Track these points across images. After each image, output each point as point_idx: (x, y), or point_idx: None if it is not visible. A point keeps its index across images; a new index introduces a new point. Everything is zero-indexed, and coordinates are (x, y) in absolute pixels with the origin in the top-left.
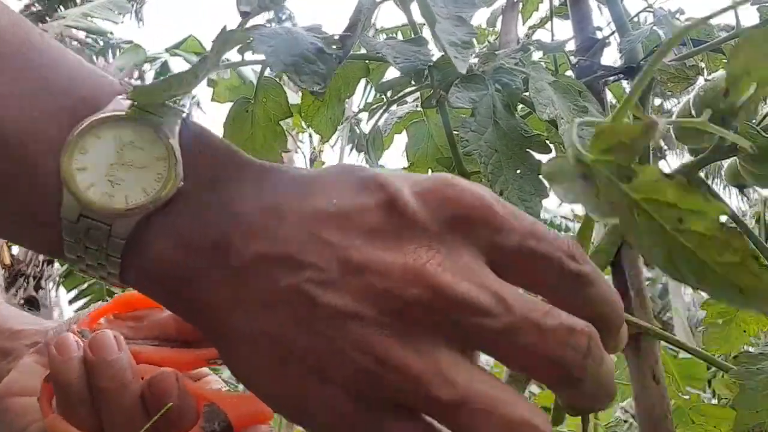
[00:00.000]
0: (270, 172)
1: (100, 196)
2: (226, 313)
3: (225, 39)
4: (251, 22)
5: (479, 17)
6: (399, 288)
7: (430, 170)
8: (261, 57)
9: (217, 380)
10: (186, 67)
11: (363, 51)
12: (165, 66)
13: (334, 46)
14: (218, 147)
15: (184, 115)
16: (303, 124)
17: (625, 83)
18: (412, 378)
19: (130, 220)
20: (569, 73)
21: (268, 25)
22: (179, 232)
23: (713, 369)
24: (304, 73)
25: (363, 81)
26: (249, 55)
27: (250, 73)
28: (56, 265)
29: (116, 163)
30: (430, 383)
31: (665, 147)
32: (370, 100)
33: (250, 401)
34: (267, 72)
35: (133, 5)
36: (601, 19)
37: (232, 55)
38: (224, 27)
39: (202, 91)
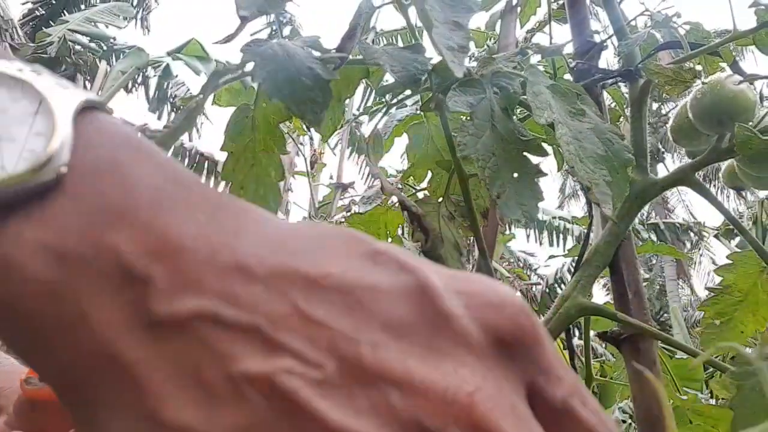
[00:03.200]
0: (227, 203)
1: None
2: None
3: (218, 75)
4: (249, 26)
5: (478, 21)
6: (434, 419)
7: (430, 172)
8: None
9: None
10: (187, 71)
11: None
12: (167, 70)
13: (331, 66)
14: (151, 151)
15: (97, 99)
16: (303, 126)
17: (622, 86)
18: None
19: None
20: (567, 76)
21: (267, 28)
22: (57, 240)
23: (710, 369)
24: (302, 102)
25: (363, 83)
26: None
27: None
28: None
29: None
30: None
31: (663, 149)
32: (369, 103)
33: None
34: None
35: (138, 12)
36: (598, 23)
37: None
38: (215, 69)
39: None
